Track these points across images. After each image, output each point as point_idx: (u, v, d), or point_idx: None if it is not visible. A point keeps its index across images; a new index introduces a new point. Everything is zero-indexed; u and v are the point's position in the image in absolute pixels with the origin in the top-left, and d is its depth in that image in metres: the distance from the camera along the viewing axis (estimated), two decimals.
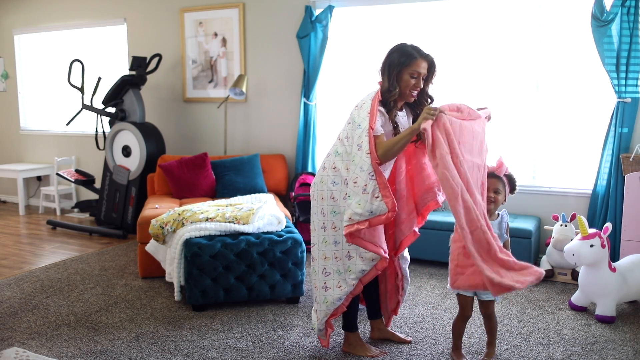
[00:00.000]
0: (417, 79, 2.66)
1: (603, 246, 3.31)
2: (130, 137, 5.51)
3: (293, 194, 4.85)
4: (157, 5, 5.92)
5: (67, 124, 5.96)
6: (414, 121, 2.78)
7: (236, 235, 3.59)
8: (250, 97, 5.56)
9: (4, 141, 7.31)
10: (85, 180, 5.94)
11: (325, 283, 2.75)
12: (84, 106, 5.76)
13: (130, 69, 5.63)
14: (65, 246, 5.14)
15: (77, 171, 6.13)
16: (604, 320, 3.29)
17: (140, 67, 5.55)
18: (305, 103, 5.12)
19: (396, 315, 3.19)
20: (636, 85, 4.01)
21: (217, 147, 5.75)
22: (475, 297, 2.78)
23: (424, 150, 2.69)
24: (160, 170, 5.10)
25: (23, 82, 7.05)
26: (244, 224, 3.60)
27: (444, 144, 2.47)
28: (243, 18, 5.45)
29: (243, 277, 3.52)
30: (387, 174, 2.76)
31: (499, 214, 2.77)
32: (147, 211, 4.31)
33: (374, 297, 3.06)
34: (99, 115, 5.87)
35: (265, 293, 3.56)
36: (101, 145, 6.03)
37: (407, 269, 3.04)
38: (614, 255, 3.89)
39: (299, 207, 4.76)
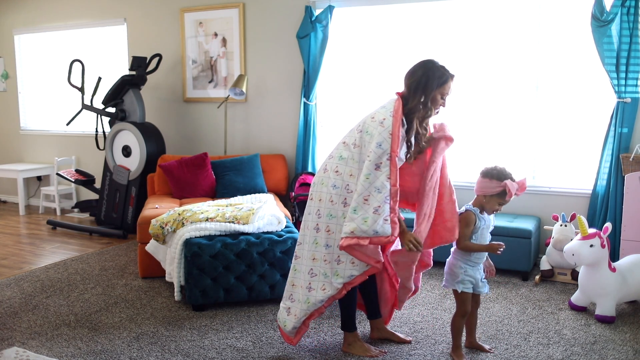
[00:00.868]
0: (444, 99, 2.70)
1: (603, 246, 3.31)
2: (130, 137, 5.51)
3: (293, 194, 4.85)
4: (157, 5, 5.92)
5: (67, 124, 5.96)
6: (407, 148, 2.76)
7: (236, 235, 3.59)
8: (250, 97, 5.56)
9: (4, 141, 7.31)
10: (86, 180, 5.94)
11: (310, 283, 2.75)
12: (84, 106, 5.76)
13: (130, 69, 5.63)
14: (65, 246, 5.14)
15: (77, 171, 6.13)
16: (604, 320, 3.29)
17: (140, 67, 5.55)
18: (305, 103, 5.11)
19: (399, 309, 3.17)
20: (636, 85, 4.02)
21: (217, 147, 5.75)
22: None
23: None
24: (160, 170, 5.09)
25: (23, 82, 7.05)
26: (244, 224, 3.60)
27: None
28: (243, 18, 5.45)
29: (243, 277, 3.52)
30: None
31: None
32: (147, 211, 4.31)
33: (372, 297, 3.06)
34: (99, 115, 5.87)
35: (265, 293, 3.57)
36: (101, 145, 6.03)
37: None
38: (614, 255, 3.89)
39: (299, 207, 4.76)
